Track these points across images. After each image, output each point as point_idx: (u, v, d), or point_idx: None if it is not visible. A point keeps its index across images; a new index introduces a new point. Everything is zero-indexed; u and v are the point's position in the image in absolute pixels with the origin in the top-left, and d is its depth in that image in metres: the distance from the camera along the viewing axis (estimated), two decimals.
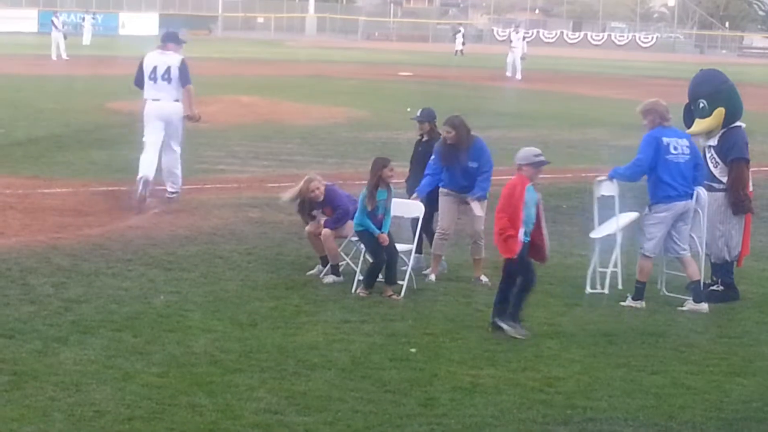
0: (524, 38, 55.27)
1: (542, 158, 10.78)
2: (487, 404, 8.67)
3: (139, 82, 16.96)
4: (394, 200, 12.47)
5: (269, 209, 16.50)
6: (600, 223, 12.71)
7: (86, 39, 70.62)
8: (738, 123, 12.53)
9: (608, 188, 12.46)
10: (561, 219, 16.36)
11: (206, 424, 8.02)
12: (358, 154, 22.85)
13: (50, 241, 13.83)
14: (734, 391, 9.26)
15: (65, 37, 55.34)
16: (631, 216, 12.80)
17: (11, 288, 11.50)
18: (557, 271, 13.39)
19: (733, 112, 12.43)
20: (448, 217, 13.01)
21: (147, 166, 16.50)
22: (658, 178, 11.91)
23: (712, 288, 12.43)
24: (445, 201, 13.00)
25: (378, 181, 12.16)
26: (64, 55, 53.94)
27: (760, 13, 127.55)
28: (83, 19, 75.42)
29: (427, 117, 13.51)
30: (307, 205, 12.78)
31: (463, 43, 75.12)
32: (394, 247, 12.23)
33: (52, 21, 56.13)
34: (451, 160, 12.77)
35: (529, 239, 10.68)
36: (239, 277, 12.48)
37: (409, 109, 32.57)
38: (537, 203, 10.75)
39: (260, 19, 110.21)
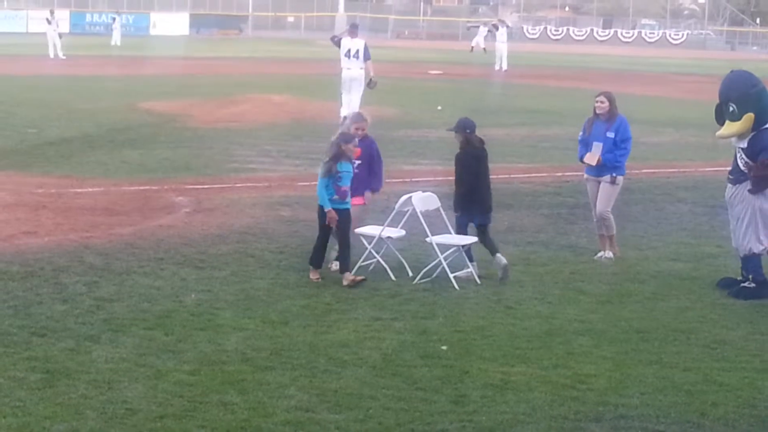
0: (507, 31, 56.22)
1: None
2: (518, 401, 8.66)
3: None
4: (415, 195, 12.57)
5: (300, 208, 16.53)
6: None
7: (115, 39, 70.89)
8: None
9: None
10: (592, 216, 16.30)
11: (238, 422, 8.05)
12: (389, 152, 22.71)
13: (82, 240, 13.92)
14: (767, 388, 9.21)
15: (60, 37, 55.23)
16: None
17: (44, 287, 11.59)
18: (588, 268, 13.37)
19: (762, 115, 12.28)
20: (593, 202, 14.03)
21: (345, 108, 24.96)
22: None
23: (743, 285, 12.37)
24: (588, 187, 14.15)
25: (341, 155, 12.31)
26: (60, 55, 53.83)
27: None
28: (114, 20, 75.59)
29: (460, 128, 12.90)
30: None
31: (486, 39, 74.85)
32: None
33: (47, 20, 55.57)
34: (593, 129, 13.66)
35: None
36: (270, 275, 12.51)
37: (439, 107, 32.68)
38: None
39: (290, 19, 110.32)
